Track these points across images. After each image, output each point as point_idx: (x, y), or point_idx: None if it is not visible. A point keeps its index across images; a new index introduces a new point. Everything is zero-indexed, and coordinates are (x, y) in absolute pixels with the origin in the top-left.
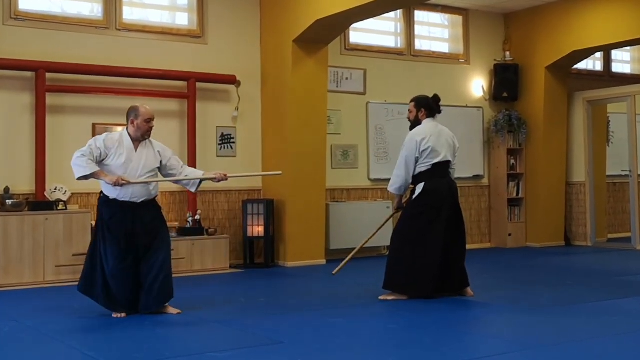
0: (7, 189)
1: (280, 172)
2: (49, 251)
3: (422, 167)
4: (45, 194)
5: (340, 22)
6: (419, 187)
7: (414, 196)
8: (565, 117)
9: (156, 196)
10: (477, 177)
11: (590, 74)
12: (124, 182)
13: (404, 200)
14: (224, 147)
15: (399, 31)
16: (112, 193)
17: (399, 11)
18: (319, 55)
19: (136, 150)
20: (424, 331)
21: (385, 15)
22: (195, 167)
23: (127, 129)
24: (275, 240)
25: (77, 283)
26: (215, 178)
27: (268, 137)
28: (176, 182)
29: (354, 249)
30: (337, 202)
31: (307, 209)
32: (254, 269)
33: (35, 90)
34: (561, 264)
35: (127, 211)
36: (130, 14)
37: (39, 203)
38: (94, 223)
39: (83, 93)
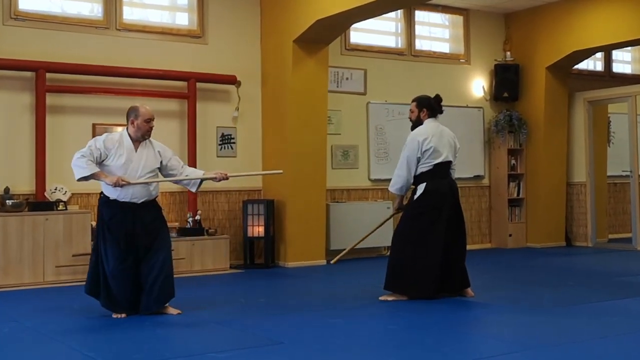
0: (7, 189)
1: (281, 171)
2: (49, 251)
3: (423, 168)
4: (45, 194)
5: (341, 22)
6: (420, 188)
7: (415, 196)
8: (566, 118)
9: (156, 197)
10: (477, 178)
11: (590, 74)
12: (124, 182)
13: (404, 201)
14: (224, 148)
15: (399, 31)
16: (112, 193)
17: (399, 11)
18: (319, 55)
19: (136, 151)
20: (425, 332)
21: (386, 15)
22: (195, 168)
23: (127, 129)
24: (275, 241)
25: (77, 283)
26: (215, 178)
27: (268, 137)
28: (177, 182)
29: (354, 249)
30: (337, 202)
31: (307, 209)
32: (254, 269)
33: (35, 90)
34: (562, 264)
35: (128, 212)
36: (130, 14)
37: (39, 203)
38: (94, 223)
39: (83, 93)
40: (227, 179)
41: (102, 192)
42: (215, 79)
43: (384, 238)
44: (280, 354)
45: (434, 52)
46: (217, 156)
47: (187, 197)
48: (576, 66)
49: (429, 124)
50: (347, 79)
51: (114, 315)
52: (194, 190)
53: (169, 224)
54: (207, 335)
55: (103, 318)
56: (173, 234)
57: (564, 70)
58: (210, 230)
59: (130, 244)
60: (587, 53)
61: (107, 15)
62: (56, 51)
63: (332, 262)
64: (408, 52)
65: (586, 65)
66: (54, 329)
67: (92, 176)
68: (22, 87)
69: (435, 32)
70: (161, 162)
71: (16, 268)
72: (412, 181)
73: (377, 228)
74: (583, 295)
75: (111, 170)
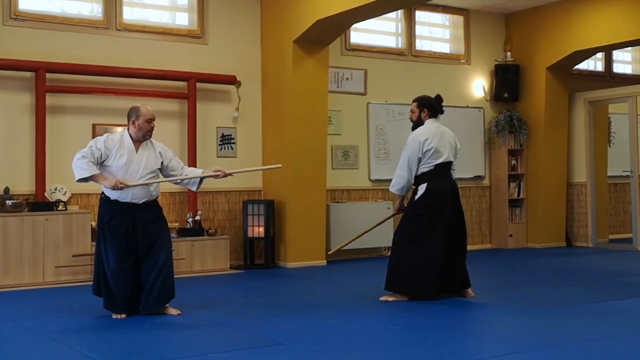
0: (7, 190)
1: (280, 165)
2: (49, 252)
3: (424, 168)
4: (45, 194)
5: (341, 22)
6: (421, 188)
7: (416, 197)
8: (566, 118)
9: (157, 197)
10: (477, 178)
11: (591, 75)
12: (122, 185)
13: (404, 202)
14: (224, 148)
15: (399, 31)
16: (113, 194)
17: (399, 11)
18: (319, 56)
19: (137, 151)
20: (425, 332)
21: (386, 15)
22: (195, 168)
23: (127, 129)
24: (275, 241)
25: (77, 284)
26: (218, 175)
27: (268, 137)
28: (177, 182)
29: (355, 249)
30: (337, 202)
31: (307, 209)
32: (254, 269)
33: (35, 91)
34: (562, 264)
35: (128, 212)
36: (130, 14)
37: (39, 203)
38: (94, 224)
39: (83, 93)
40: (228, 175)
41: (102, 192)
42: (215, 79)
43: (384, 238)
44: (281, 354)
45: (435, 53)
46: (217, 156)
47: (187, 198)
48: (577, 66)
49: (430, 124)
50: (347, 79)
51: (114, 316)
52: (194, 189)
53: (169, 224)
54: (207, 336)
55: (103, 318)
56: (173, 235)
57: (565, 71)
58: (210, 231)
59: (131, 244)
60: (588, 53)
61: (107, 15)
62: (56, 51)
63: (329, 252)
64: (408, 52)
65: (586, 65)
66: (54, 329)
67: (91, 178)
68: (22, 87)
69: (436, 32)
70: (162, 163)
71: (16, 268)
72: (413, 181)
73: (377, 225)
74: (584, 296)
75: (112, 170)
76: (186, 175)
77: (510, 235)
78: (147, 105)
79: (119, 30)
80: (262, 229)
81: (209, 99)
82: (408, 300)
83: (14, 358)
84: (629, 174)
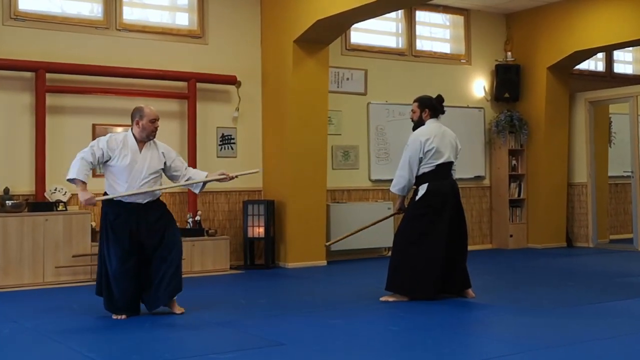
0: (6, 190)
1: (258, 170)
2: (49, 252)
3: (425, 168)
4: (45, 194)
5: (341, 22)
6: (422, 188)
7: (417, 197)
8: (567, 118)
9: (160, 195)
10: (478, 178)
11: (592, 75)
12: (94, 202)
13: (405, 202)
14: (224, 148)
15: (400, 31)
16: (116, 194)
17: (400, 11)
18: (319, 56)
19: (140, 152)
20: (426, 333)
21: (386, 15)
22: (195, 168)
23: (131, 129)
24: (275, 241)
25: (76, 284)
26: (225, 179)
27: (268, 137)
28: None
29: (355, 250)
30: (337, 203)
31: (307, 209)
32: (254, 270)
33: (35, 91)
34: (563, 265)
35: (132, 212)
36: (130, 14)
37: (39, 204)
38: (94, 224)
39: (83, 93)
40: (233, 178)
41: (105, 193)
42: (216, 79)
43: (385, 239)
44: (281, 355)
45: (435, 53)
46: (217, 156)
47: (187, 198)
48: (577, 66)
49: (431, 125)
50: (347, 79)
51: (114, 317)
52: (197, 191)
53: None
54: (208, 336)
55: (103, 319)
56: None
57: (565, 71)
58: (210, 231)
59: (134, 244)
60: (588, 53)
61: (107, 16)
62: (56, 51)
63: (326, 244)
64: (409, 53)
65: (587, 65)
66: (54, 329)
67: (74, 181)
68: (22, 88)
69: (436, 32)
70: (165, 163)
71: (16, 269)
72: (414, 182)
73: (376, 223)
74: (584, 296)
75: (116, 171)
76: (190, 178)
77: (511, 236)
78: (150, 106)
79: (119, 30)
80: (262, 229)
81: (209, 99)
82: (408, 301)
83: (14, 358)
84: (629, 174)
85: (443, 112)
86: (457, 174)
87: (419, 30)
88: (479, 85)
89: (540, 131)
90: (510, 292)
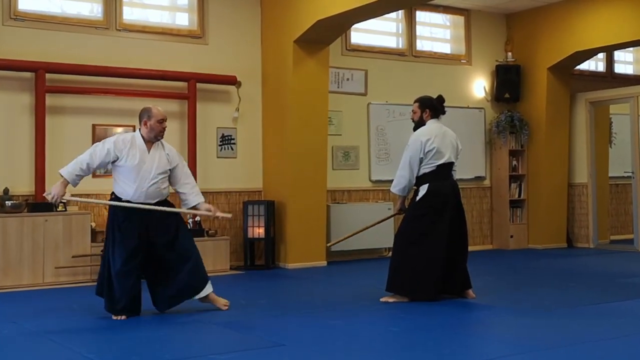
0: (6, 190)
1: (230, 215)
2: (48, 253)
3: (426, 169)
4: (45, 195)
5: (342, 23)
6: (423, 189)
7: (418, 197)
8: (568, 118)
9: (168, 195)
10: (478, 179)
11: (592, 75)
12: (55, 200)
13: (406, 203)
14: (225, 148)
15: (400, 32)
16: (124, 195)
17: (400, 11)
18: (319, 56)
19: (149, 152)
20: (426, 333)
21: (387, 15)
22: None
23: (139, 130)
24: (275, 242)
25: (76, 285)
26: (210, 215)
27: (269, 138)
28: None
29: (355, 250)
30: (338, 203)
31: (307, 210)
32: (254, 270)
33: (35, 91)
34: (563, 265)
35: (142, 213)
36: (130, 14)
37: (39, 204)
38: (93, 224)
39: (83, 94)
40: (219, 217)
41: (113, 193)
42: (216, 80)
43: (385, 239)
44: (281, 355)
45: (435, 53)
46: (217, 157)
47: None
48: (578, 67)
49: (431, 125)
50: (347, 79)
51: (114, 317)
52: (184, 209)
53: None
54: (208, 337)
55: (103, 319)
56: None
57: (566, 71)
58: (210, 232)
59: (142, 244)
60: (589, 54)
61: (107, 16)
62: (56, 51)
63: (328, 244)
64: (409, 53)
65: (588, 65)
66: (54, 330)
67: (62, 177)
68: (21, 88)
69: (436, 32)
70: None
71: (15, 269)
72: (414, 182)
73: (378, 223)
74: (585, 297)
75: (125, 171)
76: (184, 194)
77: (511, 236)
78: (158, 106)
79: (119, 30)
80: (262, 230)
81: (209, 100)
82: (409, 301)
83: (14, 359)
84: (630, 174)
85: (444, 113)
86: (457, 175)
87: (419, 30)
88: (479, 86)
89: (540, 131)
90: (511, 292)
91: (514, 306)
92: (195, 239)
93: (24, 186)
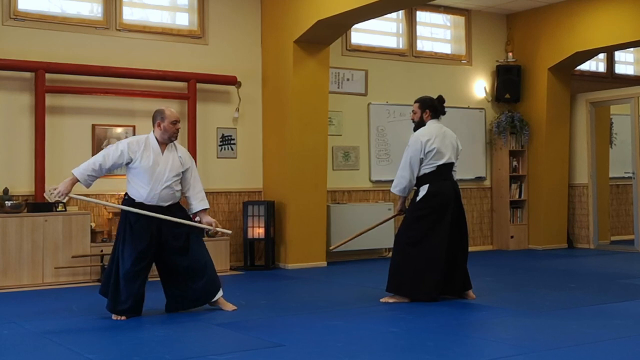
0: (6, 190)
1: (230, 232)
2: (48, 253)
3: (426, 169)
4: (45, 195)
5: (342, 23)
6: (423, 189)
7: (418, 198)
8: (568, 119)
9: (180, 199)
10: (479, 179)
11: (593, 75)
12: (59, 197)
13: (406, 203)
14: (225, 149)
15: (400, 32)
16: (137, 196)
17: (400, 12)
18: (320, 56)
19: (162, 153)
20: (426, 334)
21: (387, 15)
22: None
23: (153, 132)
24: (275, 242)
25: (76, 285)
26: (210, 230)
27: (269, 138)
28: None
29: (355, 250)
30: (338, 203)
31: (307, 210)
32: (254, 270)
33: (35, 91)
34: (564, 266)
35: (155, 212)
36: (130, 14)
37: (38, 204)
38: (93, 225)
39: (83, 94)
40: (216, 233)
41: (126, 194)
42: (216, 80)
43: (385, 239)
44: (281, 356)
45: (436, 53)
46: (217, 157)
47: None
48: (578, 67)
49: (431, 125)
50: (348, 79)
51: (114, 317)
52: (190, 212)
53: None
54: (207, 337)
55: (103, 320)
56: None
57: (566, 72)
58: (210, 232)
59: (153, 246)
60: (590, 54)
61: (107, 16)
62: (56, 51)
63: (330, 248)
64: (409, 53)
65: (588, 66)
66: (53, 330)
67: (73, 175)
68: (21, 88)
69: (437, 32)
70: None
71: (15, 269)
72: (415, 182)
73: (378, 225)
74: (585, 298)
75: (139, 172)
76: (189, 198)
77: (512, 237)
78: (171, 108)
79: (119, 30)
80: (262, 230)
81: (209, 100)
82: (409, 302)
83: (13, 359)
84: (630, 175)
85: (444, 113)
86: (457, 175)
87: (420, 30)
88: (479, 86)
89: (541, 132)
90: (511, 293)
91: (514, 307)
92: None
93: (23, 186)
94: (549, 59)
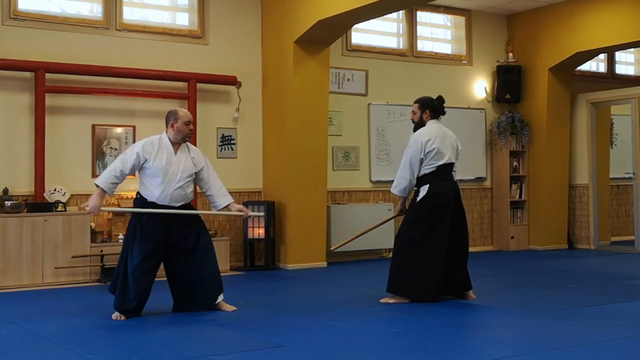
0: (6, 190)
1: (262, 214)
2: (48, 253)
3: (426, 169)
4: (45, 195)
5: (342, 23)
6: (423, 189)
7: (418, 198)
8: (569, 119)
9: (192, 199)
10: (479, 180)
11: (593, 76)
12: (96, 212)
13: (406, 203)
14: (225, 149)
15: (401, 32)
16: (150, 196)
17: (401, 12)
18: (320, 56)
19: (175, 154)
20: (426, 335)
21: (388, 15)
22: (222, 187)
23: (165, 132)
24: (275, 243)
25: (76, 285)
26: (242, 215)
27: (269, 138)
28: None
29: (356, 251)
30: (338, 204)
31: (308, 210)
32: (254, 271)
33: (35, 91)
34: (564, 267)
35: (166, 215)
36: (130, 14)
37: (38, 204)
38: (93, 225)
39: (83, 94)
40: (248, 217)
41: (138, 193)
42: (216, 80)
43: (385, 240)
44: (281, 356)
45: (436, 53)
46: (218, 157)
47: None
48: (579, 67)
49: (431, 125)
50: (348, 80)
51: (113, 317)
52: (214, 210)
53: None
54: (207, 338)
55: (102, 320)
56: None
57: (567, 72)
58: (210, 232)
59: (162, 246)
60: (590, 54)
61: (107, 16)
62: (56, 51)
63: (331, 248)
64: (410, 53)
65: (589, 66)
66: (53, 330)
67: (98, 188)
68: (21, 88)
69: (437, 33)
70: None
71: (15, 269)
72: (415, 182)
73: (378, 226)
74: (586, 298)
75: (153, 172)
76: (212, 195)
77: (512, 237)
78: (183, 108)
79: (119, 30)
80: (262, 230)
81: (209, 100)
82: (409, 303)
83: (13, 359)
84: (631, 175)
85: (444, 113)
86: (458, 175)
87: (420, 30)
88: (480, 86)
89: (541, 132)
90: (511, 294)
91: (515, 307)
92: None
93: (23, 186)
94: (549, 59)
